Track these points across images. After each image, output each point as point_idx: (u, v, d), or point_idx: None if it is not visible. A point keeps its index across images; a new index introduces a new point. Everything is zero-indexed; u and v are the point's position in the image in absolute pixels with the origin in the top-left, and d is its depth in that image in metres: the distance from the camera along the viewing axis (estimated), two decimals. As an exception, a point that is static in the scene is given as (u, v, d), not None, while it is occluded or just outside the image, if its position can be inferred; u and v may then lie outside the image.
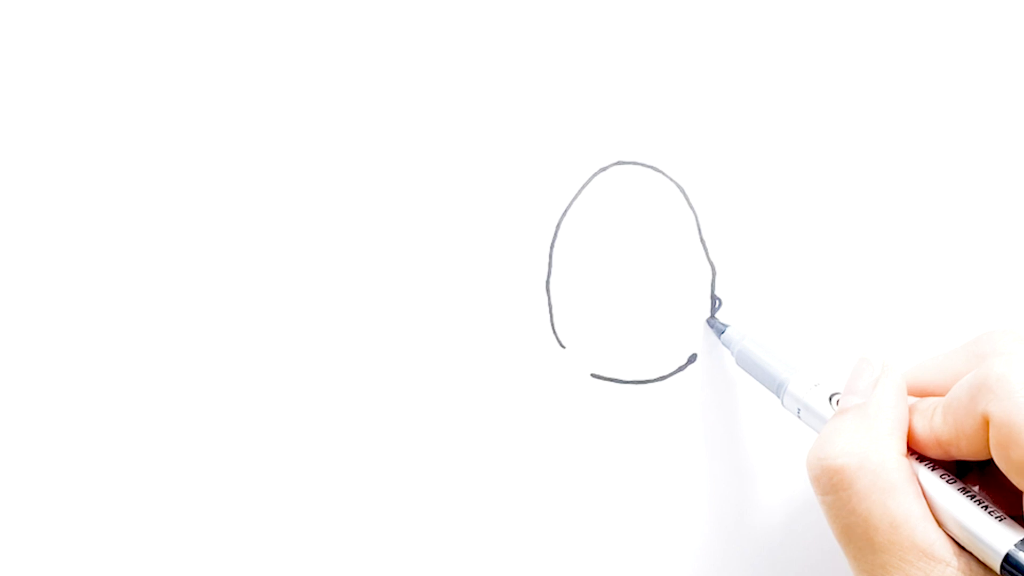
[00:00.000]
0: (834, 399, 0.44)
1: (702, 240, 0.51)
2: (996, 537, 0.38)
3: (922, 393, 0.43)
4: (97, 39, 0.48)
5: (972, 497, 0.39)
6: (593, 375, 0.50)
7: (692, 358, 0.51)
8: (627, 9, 0.50)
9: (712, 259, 0.51)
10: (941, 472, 0.40)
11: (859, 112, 0.51)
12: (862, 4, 0.51)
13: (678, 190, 0.51)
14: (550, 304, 0.50)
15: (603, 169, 0.50)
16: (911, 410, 0.42)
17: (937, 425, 0.40)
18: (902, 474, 0.39)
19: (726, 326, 0.49)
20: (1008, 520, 0.39)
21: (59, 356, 0.48)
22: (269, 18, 0.48)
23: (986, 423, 0.38)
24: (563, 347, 0.50)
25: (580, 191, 0.50)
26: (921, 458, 0.41)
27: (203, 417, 0.48)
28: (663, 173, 0.50)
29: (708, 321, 0.50)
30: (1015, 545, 0.38)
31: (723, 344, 0.49)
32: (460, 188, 0.49)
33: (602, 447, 0.50)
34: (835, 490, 0.39)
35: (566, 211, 0.50)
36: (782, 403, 0.46)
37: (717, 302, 0.51)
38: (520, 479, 0.50)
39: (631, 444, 0.50)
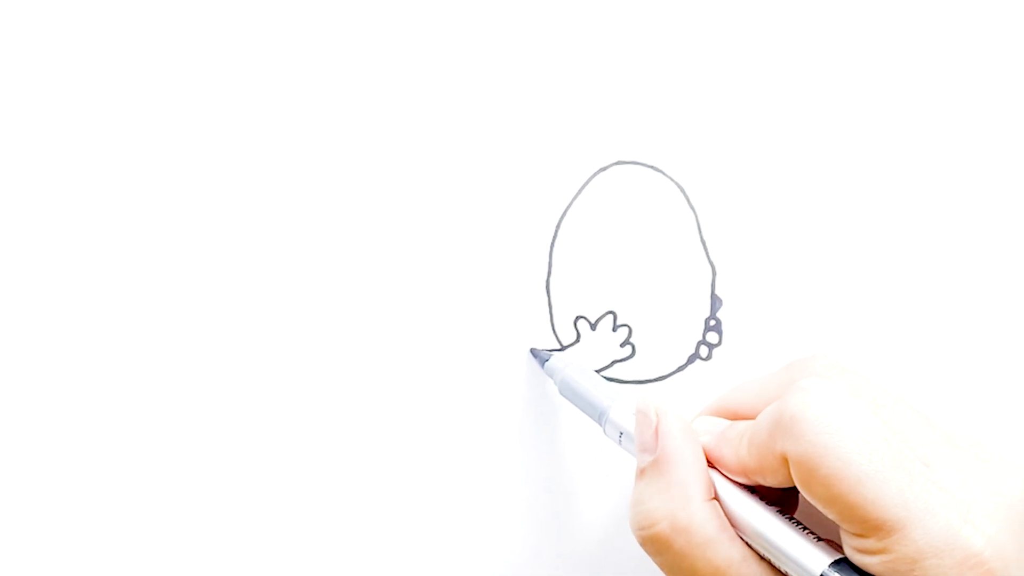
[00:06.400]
0: None
1: (702, 240, 0.51)
2: (810, 560, 0.38)
3: (735, 415, 0.43)
4: (97, 39, 0.48)
5: (787, 522, 0.40)
6: (532, 351, 0.50)
7: (692, 358, 0.51)
8: (627, 9, 0.50)
9: (712, 259, 0.51)
10: (754, 499, 0.40)
11: (859, 112, 0.52)
12: (862, 4, 0.51)
13: (678, 190, 0.51)
14: (550, 304, 0.50)
15: (603, 169, 0.50)
16: (721, 438, 0.42)
17: (743, 457, 0.40)
18: (712, 523, 0.40)
19: (549, 355, 0.49)
20: (822, 543, 0.39)
21: (59, 356, 0.48)
22: (269, 18, 0.48)
23: (785, 459, 0.38)
24: (563, 347, 0.50)
25: (580, 191, 0.50)
26: (735, 482, 0.41)
27: (201, 417, 0.48)
28: (663, 173, 0.50)
29: (531, 350, 0.49)
30: (828, 567, 0.38)
31: (546, 373, 0.48)
32: (460, 188, 0.49)
33: (602, 447, 0.50)
34: (660, 553, 0.40)
35: (566, 211, 0.50)
36: (604, 431, 0.45)
37: (717, 302, 0.51)
38: (520, 478, 0.50)
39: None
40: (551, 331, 0.50)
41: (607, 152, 0.50)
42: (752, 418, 0.42)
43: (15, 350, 0.47)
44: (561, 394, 0.47)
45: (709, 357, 0.51)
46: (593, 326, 0.50)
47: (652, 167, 0.50)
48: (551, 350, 0.49)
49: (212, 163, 0.48)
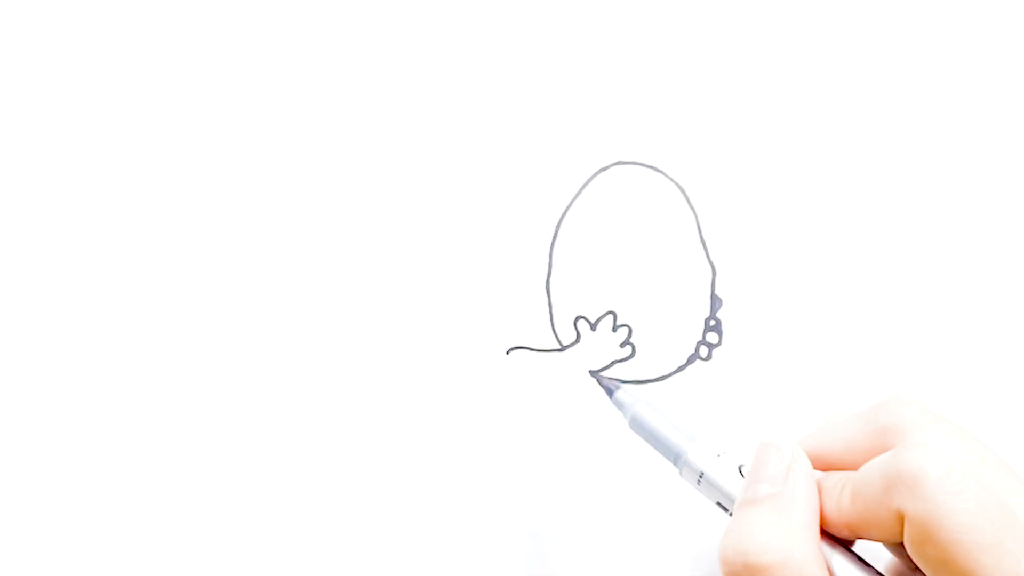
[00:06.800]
0: (743, 470, 0.42)
1: (702, 240, 0.51)
2: None
3: (824, 466, 0.42)
4: (97, 39, 0.48)
5: None
6: (592, 374, 0.50)
7: (692, 358, 0.51)
8: (627, 9, 0.50)
9: (712, 259, 0.51)
10: (851, 557, 0.40)
11: (859, 112, 0.51)
12: (862, 4, 0.51)
13: (678, 190, 0.51)
14: (550, 304, 0.50)
15: (603, 169, 0.50)
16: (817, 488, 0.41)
17: (846, 509, 0.39)
18: (823, 568, 0.38)
19: (618, 385, 0.47)
20: None
21: (59, 356, 0.48)
22: (269, 18, 0.49)
23: (900, 517, 0.37)
24: (563, 347, 0.50)
25: (580, 191, 0.50)
26: (831, 537, 0.40)
27: (200, 417, 0.49)
28: (663, 173, 0.50)
29: (596, 378, 0.49)
30: None
31: (614, 406, 0.46)
32: (460, 188, 0.50)
33: (602, 447, 0.50)
34: None
35: (566, 211, 0.50)
36: (680, 473, 0.44)
37: (717, 302, 0.51)
38: (520, 478, 0.50)
39: (631, 443, 0.50)
40: (551, 331, 0.50)
41: (607, 152, 0.50)
42: (843, 467, 0.41)
43: (15, 350, 0.48)
44: (631, 429, 0.45)
45: (709, 357, 0.51)
46: (593, 326, 0.50)
47: (652, 167, 0.50)
48: (612, 371, 0.49)
49: (216, 166, 0.49)
